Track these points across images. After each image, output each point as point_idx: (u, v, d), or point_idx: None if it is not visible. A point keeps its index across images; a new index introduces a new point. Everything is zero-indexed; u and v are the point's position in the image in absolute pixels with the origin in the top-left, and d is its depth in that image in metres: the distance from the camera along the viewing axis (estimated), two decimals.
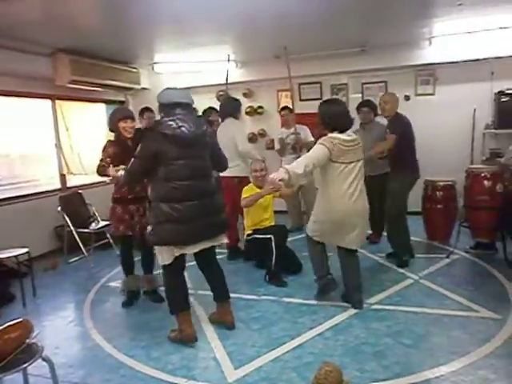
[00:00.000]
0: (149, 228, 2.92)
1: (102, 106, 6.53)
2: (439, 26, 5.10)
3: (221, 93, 6.96)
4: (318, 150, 3.14)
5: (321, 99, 6.57)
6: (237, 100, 5.10)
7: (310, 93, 6.64)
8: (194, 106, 3.01)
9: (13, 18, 3.73)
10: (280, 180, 3.02)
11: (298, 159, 3.27)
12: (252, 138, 6.99)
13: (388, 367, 2.56)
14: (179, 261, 2.89)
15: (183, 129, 2.74)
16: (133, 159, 2.87)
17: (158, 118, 3.05)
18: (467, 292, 3.57)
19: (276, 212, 5.57)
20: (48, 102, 5.56)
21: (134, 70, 6.35)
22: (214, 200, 2.93)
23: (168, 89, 2.93)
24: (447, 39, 5.57)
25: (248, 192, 4.16)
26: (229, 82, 6.46)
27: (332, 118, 3.23)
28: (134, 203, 3.59)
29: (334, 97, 6.36)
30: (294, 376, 2.50)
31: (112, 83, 5.85)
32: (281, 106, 6.23)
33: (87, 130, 6.21)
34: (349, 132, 3.24)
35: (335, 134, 3.17)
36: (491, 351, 2.66)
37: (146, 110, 5.18)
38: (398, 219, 4.27)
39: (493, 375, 2.41)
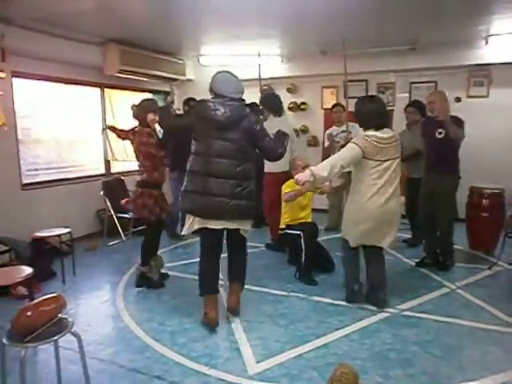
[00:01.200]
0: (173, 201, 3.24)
1: (149, 95, 6.70)
2: (498, 23, 4.82)
3: (265, 87, 6.95)
4: (349, 150, 3.13)
5: None
6: (276, 95, 5.08)
7: (356, 90, 6.47)
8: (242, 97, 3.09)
9: (65, 7, 3.89)
10: (304, 183, 3.06)
11: (326, 160, 3.24)
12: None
13: (413, 376, 2.48)
14: (207, 239, 3.11)
15: (218, 112, 2.92)
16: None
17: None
18: (506, 306, 3.38)
19: (317, 210, 5.55)
20: (97, 90, 5.78)
21: (180, 61, 6.46)
22: (242, 183, 2.97)
23: (223, 77, 3.09)
24: (506, 38, 5.26)
25: (289, 187, 4.13)
26: (273, 76, 6.47)
27: (367, 115, 3.20)
28: (160, 188, 3.91)
29: (380, 95, 6.19)
30: (315, 375, 2.47)
31: (158, 74, 5.99)
32: (332, 103, 6.10)
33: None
34: (386, 129, 3.17)
35: (371, 132, 3.13)
36: None
37: (190, 99, 5.28)
38: (452, 223, 4.19)
39: None
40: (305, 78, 6.76)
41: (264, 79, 7.06)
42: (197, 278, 3.18)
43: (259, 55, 5.80)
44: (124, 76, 5.57)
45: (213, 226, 3.01)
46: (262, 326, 3.13)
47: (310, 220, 4.31)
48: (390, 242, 3.32)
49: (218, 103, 2.95)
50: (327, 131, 5.64)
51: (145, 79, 6.04)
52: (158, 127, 3.73)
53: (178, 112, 5.84)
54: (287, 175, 4.39)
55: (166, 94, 6.95)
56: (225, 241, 3.22)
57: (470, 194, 4.78)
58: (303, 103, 7.01)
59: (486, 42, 5.40)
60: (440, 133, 4.00)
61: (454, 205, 4.24)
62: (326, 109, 6.84)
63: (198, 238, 3.23)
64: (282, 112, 4.98)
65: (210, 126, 2.93)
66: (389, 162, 3.12)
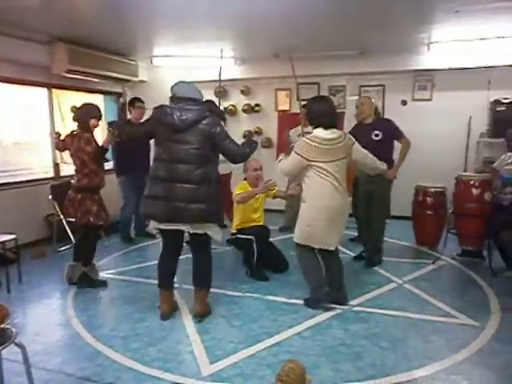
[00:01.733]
0: None
1: (100, 96, 6.53)
2: (438, 32, 5.10)
3: (220, 89, 6.96)
4: (293, 161, 3.27)
5: None
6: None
7: (308, 93, 6.61)
8: (203, 99, 3.18)
9: (10, 3, 3.73)
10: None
11: (282, 161, 3.39)
12: (248, 136, 7.00)
13: (362, 369, 2.58)
14: (167, 239, 3.21)
15: (174, 116, 2.97)
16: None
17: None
18: (449, 298, 3.59)
19: (272, 211, 5.62)
20: (44, 91, 5.56)
21: (133, 62, 6.35)
22: (201, 187, 2.98)
23: (180, 83, 3.16)
24: (446, 46, 5.56)
25: (241, 189, 4.17)
26: (227, 78, 6.48)
27: (317, 114, 3.26)
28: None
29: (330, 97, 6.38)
30: (268, 373, 2.51)
31: (110, 74, 5.85)
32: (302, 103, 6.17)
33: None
34: (334, 130, 3.24)
35: (317, 133, 3.20)
36: (466, 358, 2.68)
37: (137, 100, 5.26)
38: (385, 222, 4.35)
39: (465, 381, 2.43)
40: (259, 80, 6.85)
41: (217, 81, 7.08)
42: (150, 281, 3.16)
43: (221, 57, 5.80)
44: (73, 76, 5.40)
45: (164, 227, 3.08)
46: (216, 327, 3.14)
47: (261, 223, 4.36)
48: (338, 241, 3.42)
49: (175, 108, 3.00)
50: (291, 131, 5.65)
51: (95, 80, 5.89)
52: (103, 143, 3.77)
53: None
54: (227, 177, 4.50)
55: (118, 95, 6.81)
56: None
57: (415, 193, 5.03)
58: (257, 105, 7.09)
59: (428, 49, 5.69)
60: (377, 135, 4.16)
61: (389, 204, 4.40)
62: (279, 111, 6.97)
63: (152, 242, 3.22)
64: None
65: (168, 131, 2.99)
66: (335, 163, 3.19)
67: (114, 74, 5.96)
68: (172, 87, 3.13)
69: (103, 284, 3.95)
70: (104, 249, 5.03)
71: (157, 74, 6.87)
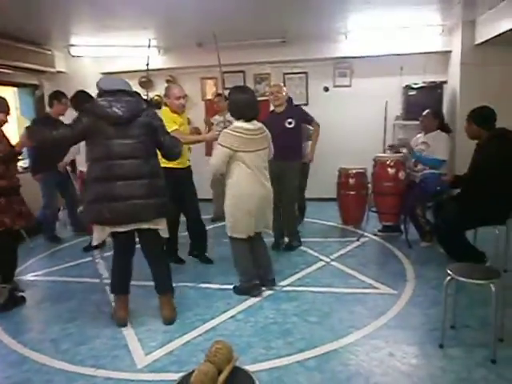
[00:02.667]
0: (80, 208, 3.01)
1: (14, 89, 6.10)
2: (352, 21, 5.38)
3: (143, 79, 6.81)
4: (220, 154, 3.25)
5: None
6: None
7: (234, 81, 6.66)
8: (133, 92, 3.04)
9: None
10: None
11: (211, 158, 3.36)
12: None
13: (292, 344, 2.73)
14: (120, 241, 3.00)
15: (114, 108, 2.77)
16: (61, 128, 2.87)
17: None
18: (371, 271, 3.88)
19: (202, 200, 5.60)
20: None
21: (48, 52, 5.99)
22: (150, 181, 2.89)
23: (104, 77, 3.06)
24: (361, 34, 5.89)
25: (168, 118, 3.68)
26: (151, 68, 6.33)
27: (238, 106, 3.28)
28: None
29: (256, 86, 6.51)
30: (204, 357, 2.57)
31: (21, 65, 5.48)
32: (216, 93, 6.20)
33: None
34: (254, 121, 3.31)
35: (239, 123, 3.24)
36: (385, 323, 2.93)
37: (62, 95, 4.95)
38: (294, 206, 4.61)
39: (383, 344, 2.66)
40: (183, 69, 6.77)
41: (142, 71, 6.89)
42: (79, 279, 3.06)
43: (149, 46, 5.63)
44: None
45: (123, 229, 2.89)
46: (149, 319, 3.13)
47: None
48: (269, 225, 3.54)
49: (112, 100, 2.80)
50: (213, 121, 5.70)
51: (6, 71, 5.48)
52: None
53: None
54: None
55: (35, 87, 6.39)
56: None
57: (338, 175, 5.30)
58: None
59: (346, 37, 5.98)
60: (290, 123, 4.28)
61: (297, 189, 4.54)
62: (206, 100, 6.96)
63: (79, 240, 3.10)
64: None
65: (107, 126, 2.77)
66: (258, 153, 3.27)
67: (28, 65, 5.60)
68: (97, 83, 2.94)
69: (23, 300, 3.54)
70: (28, 251, 4.78)
71: (77, 64, 6.54)
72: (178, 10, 4.41)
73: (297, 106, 4.66)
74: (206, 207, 5.58)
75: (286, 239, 4.58)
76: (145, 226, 2.93)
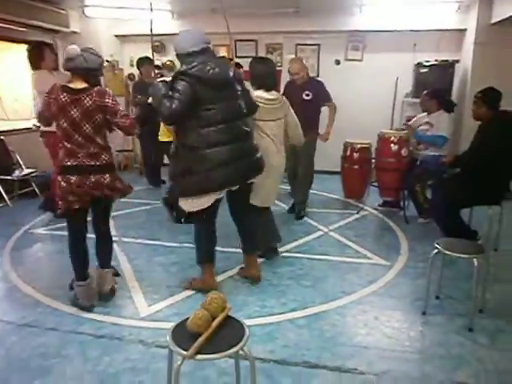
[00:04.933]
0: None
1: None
2: None
3: (157, 43, 6.84)
4: None
5: None
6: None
7: (246, 50, 6.68)
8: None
9: None
10: None
11: None
12: None
13: (285, 304, 2.92)
14: (213, 208, 2.90)
15: (217, 70, 2.67)
16: (173, 100, 2.58)
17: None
18: (367, 243, 4.04)
19: None
20: None
21: (63, 11, 6.01)
22: (252, 140, 2.96)
23: (184, 35, 2.78)
24: (376, 9, 5.83)
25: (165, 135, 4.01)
26: (164, 33, 6.35)
27: (259, 76, 3.32)
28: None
29: (268, 56, 6.50)
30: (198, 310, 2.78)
31: (36, 23, 5.52)
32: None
33: (10, 72, 5.88)
34: (273, 92, 3.35)
35: (260, 93, 3.26)
36: (374, 291, 3.11)
37: (148, 59, 5.13)
38: (311, 178, 4.71)
39: (369, 308, 2.85)
40: None
41: (155, 35, 6.90)
42: (90, 235, 3.18)
43: (151, 10, 5.63)
44: None
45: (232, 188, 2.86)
46: (154, 274, 3.35)
47: None
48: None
49: (209, 61, 2.66)
50: None
51: (21, 29, 5.54)
52: None
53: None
54: None
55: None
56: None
57: (344, 149, 5.39)
58: None
59: (360, 11, 5.92)
60: (307, 95, 4.38)
61: (313, 161, 4.69)
62: None
63: None
64: None
65: (209, 90, 2.64)
66: (276, 122, 3.34)
67: (41, 24, 5.63)
68: (179, 41, 2.75)
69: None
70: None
71: (90, 25, 6.57)
72: None
73: (319, 81, 4.65)
74: None
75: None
76: (252, 180, 2.97)
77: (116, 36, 7.05)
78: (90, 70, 2.59)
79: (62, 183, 2.62)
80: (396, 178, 4.68)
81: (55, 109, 2.58)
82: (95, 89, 2.60)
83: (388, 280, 3.28)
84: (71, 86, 2.59)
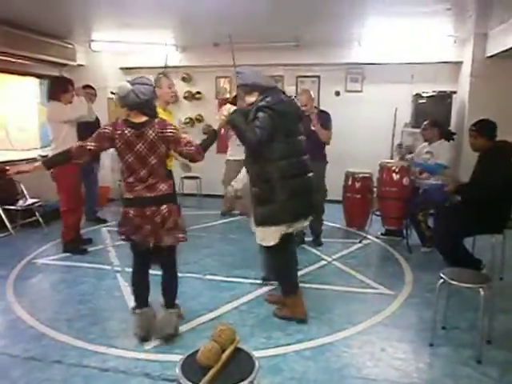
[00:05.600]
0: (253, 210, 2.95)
1: (35, 80, 6.33)
2: (368, 29, 5.51)
3: (160, 75, 7.00)
4: None
5: None
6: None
7: None
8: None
9: None
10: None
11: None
12: (189, 123, 7.14)
13: (291, 335, 2.90)
14: (289, 238, 3.00)
15: (291, 106, 2.91)
16: (257, 130, 2.73)
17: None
18: (370, 272, 4.04)
19: (211, 196, 5.79)
20: None
21: (70, 45, 6.21)
22: (313, 177, 3.04)
23: (255, 71, 2.98)
24: (374, 42, 6.03)
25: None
26: (169, 65, 6.53)
27: None
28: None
29: None
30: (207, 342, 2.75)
31: (44, 58, 5.70)
32: (232, 95, 6.38)
33: (17, 104, 6.00)
34: None
35: None
36: (379, 321, 3.09)
37: (87, 87, 5.20)
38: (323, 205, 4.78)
39: (375, 339, 2.83)
40: (199, 67, 6.95)
41: (159, 68, 7.09)
42: (93, 265, 3.23)
43: (166, 44, 5.84)
44: (5, 58, 5.21)
45: (297, 226, 3.00)
46: (157, 305, 3.32)
47: None
48: None
49: (284, 98, 2.88)
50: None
51: (30, 63, 5.71)
52: None
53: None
54: None
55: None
56: None
57: (345, 178, 5.45)
58: (198, 92, 7.21)
59: (359, 44, 6.12)
60: (314, 125, 4.49)
61: (325, 187, 4.76)
62: (220, 98, 7.13)
63: (100, 226, 3.23)
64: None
65: (287, 122, 2.85)
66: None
67: (50, 58, 5.81)
68: (254, 79, 2.88)
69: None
70: (43, 236, 5.01)
71: (95, 58, 6.77)
72: (195, 11, 4.57)
73: (327, 113, 4.74)
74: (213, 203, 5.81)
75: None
76: (307, 222, 3.11)
77: (121, 68, 7.23)
78: (144, 104, 2.59)
79: (124, 213, 2.69)
80: (398, 207, 4.72)
81: (121, 144, 2.59)
82: (156, 120, 2.63)
83: (393, 310, 3.26)
84: (133, 120, 2.60)
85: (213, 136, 2.90)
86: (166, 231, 2.69)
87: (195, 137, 3.05)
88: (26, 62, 5.66)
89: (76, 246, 4.54)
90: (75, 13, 4.87)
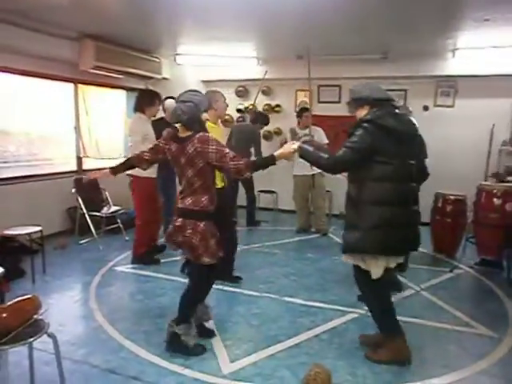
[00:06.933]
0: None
1: (123, 92, 6.63)
2: (464, 38, 5.07)
3: (240, 88, 7.06)
4: None
5: (339, 102, 6.62)
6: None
7: (329, 95, 6.65)
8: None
9: (42, 2, 3.82)
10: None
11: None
12: (267, 136, 7.07)
13: (379, 374, 2.61)
14: (389, 274, 2.72)
15: (401, 122, 2.56)
16: (343, 148, 2.53)
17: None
18: (467, 307, 3.59)
19: (284, 211, 5.62)
20: (70, 86, 5.68)
21: (157, 59, 6.42)
22: (418, 208, 2.68)
23: (367, 84, 2.75)
24: (471, 52, 5.54)
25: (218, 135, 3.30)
26: (249, 78, 6.54)
27: None
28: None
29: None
30: (287, 374, 2.56)
31: (134, 71, 5.93)
32: (300, 107, 6.26)
33: (106, 115, 6.31)
34: None
35: None
36: (484, 368, 2.69)
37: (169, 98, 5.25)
38: None
39: None
40: (280, 80, 6.88)
41: (240, 80, 7.16)
42: (170, 277, 3.16)
43: (258, 59, 5.82)
44: (99, 72, 5.50)
45: (394, 263, 2.66)
46: (235, 326, 3.20)
47: None
48: None
49: (394, 113, 2.57)
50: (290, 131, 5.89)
51: (119, 76, 5.98)
52: None
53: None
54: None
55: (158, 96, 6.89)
56: None
57: (434, 200, 5.01)
58: (277, 105, 7.13)
59: (453, 55, 5.66)
60: None
61: None
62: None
63: None
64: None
65: (391, 142, 2.49)
66: None
67: (138, 71, 6.04)
68: (371, 90, 2.62)
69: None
70: (123, 243, 5.15)
71: (179, 71, 6.95)
72: (280, 21, 4.47)
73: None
74: (290, 218, 5.63)
75: None
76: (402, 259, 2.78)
77: (202, 81, 7.37)
78: (189, 120, 2.65)
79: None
80: (498, 235, 4.21)
81: (170, 157, 2.73)
82: (197, 136, 2.62)
83: (500, 356, 2.83)
84: (180, 134, 2.71)
85: (271, 160, 2.65)
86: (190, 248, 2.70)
87: (273, 150, 2.83)
88: (118, 76, 5.94)
89: (145, 259, 4.49)
90: (164, 27, 5.01)
